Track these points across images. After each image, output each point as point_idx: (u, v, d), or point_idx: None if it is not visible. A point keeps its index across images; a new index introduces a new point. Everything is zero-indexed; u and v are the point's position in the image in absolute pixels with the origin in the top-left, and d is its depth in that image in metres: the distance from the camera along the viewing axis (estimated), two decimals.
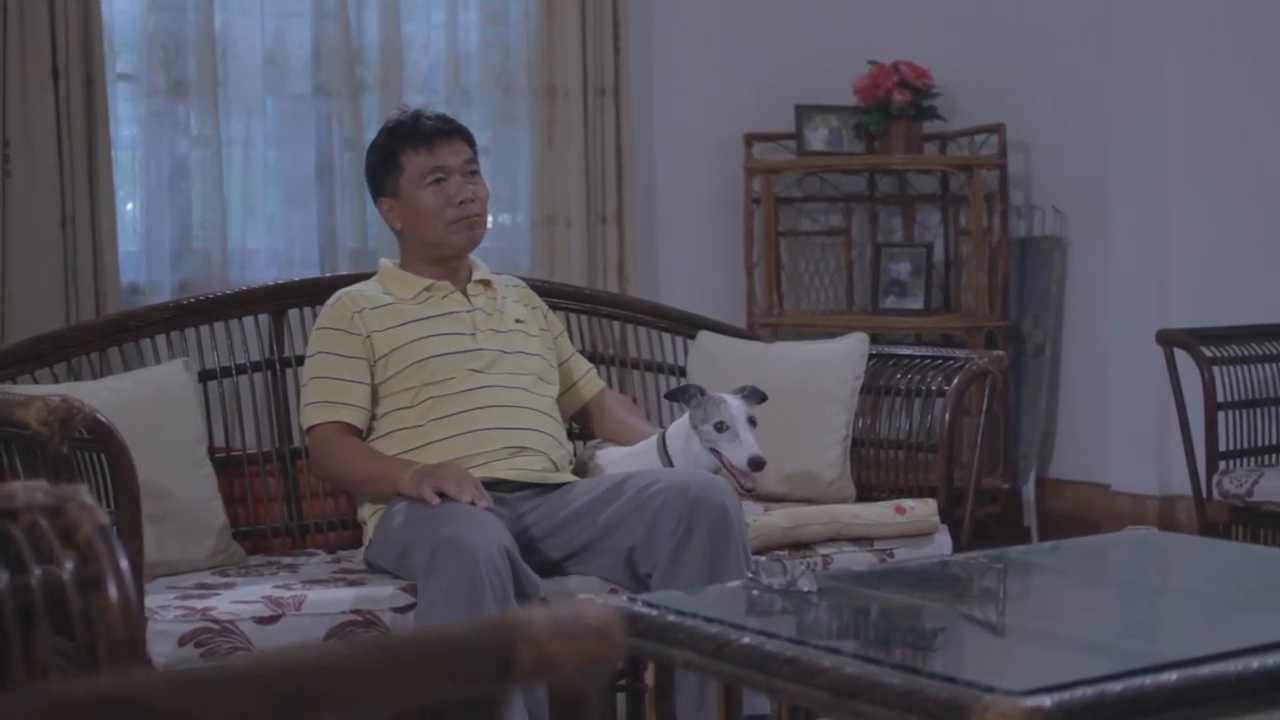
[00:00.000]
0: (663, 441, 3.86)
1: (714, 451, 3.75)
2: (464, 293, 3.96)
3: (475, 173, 3.97)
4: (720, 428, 3.74)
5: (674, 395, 3.94)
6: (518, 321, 3.99)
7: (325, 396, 3.81)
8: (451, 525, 3.37)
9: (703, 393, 3.84)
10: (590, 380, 4.22)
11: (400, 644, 1.03)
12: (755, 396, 3.86)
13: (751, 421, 3.77)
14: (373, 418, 3.84)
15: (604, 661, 1.06)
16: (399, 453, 3.76)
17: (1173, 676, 2.20)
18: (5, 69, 4.88)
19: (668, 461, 3.82)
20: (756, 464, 3.69)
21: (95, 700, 0.93)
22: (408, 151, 3.91)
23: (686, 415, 3.84)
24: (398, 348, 3.83)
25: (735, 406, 3.77)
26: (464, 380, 3.82)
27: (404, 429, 3.80)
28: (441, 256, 3.95)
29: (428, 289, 3.93)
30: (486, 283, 4.02)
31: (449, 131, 3.96)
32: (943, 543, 4.10)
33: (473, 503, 3.49)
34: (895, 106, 6.21)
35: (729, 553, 3.48)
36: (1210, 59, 5.72)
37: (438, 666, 1.03)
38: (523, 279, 4.30)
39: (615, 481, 3.69)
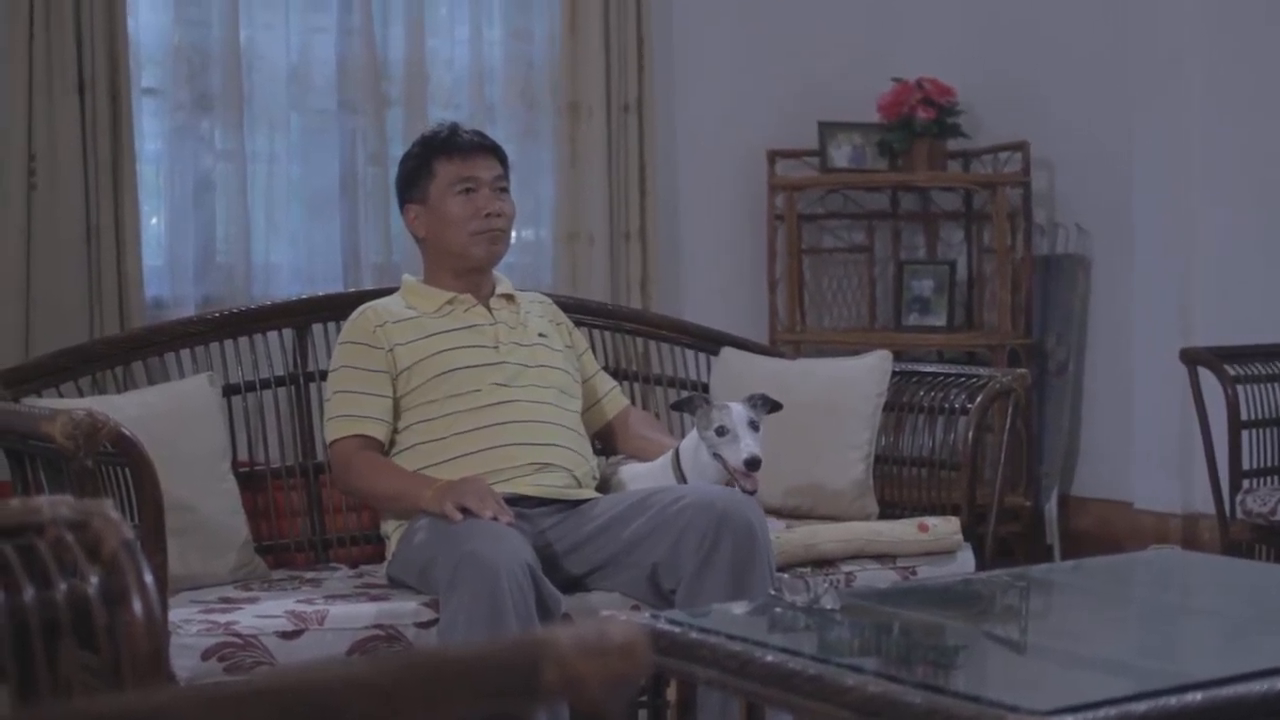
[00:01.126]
0: (676, 456, 3.87)
1: (717, 457, 3.75)
2: (487, 306, 3.97)
3: (504, 190, 3.99)
4: (721, 432, 3.75)
5: (679, 406, 3.96)
6: (541, 336, 4.00)
7: (347, 410, 3.82)
8: (473, 541, 3.37)
9: (707, 402, 3.85)
10: (614, 398, 4.22)
11: (425, 661, 1.03)
12: (765, 404, 3.86)
13: (754, 426, 3.77)
14: (395, 431, 3.84)
15: (630, 680, 1.06)
16: (422, 467, 3.76)
17: (1197, 697, 2.19)
18: (32, 82, 4.90)
19: (680, 475, 3.82)
20: (752, 463, 3.69)
21: (120, 716, 0.93)
22: (441, 159, 3.94)
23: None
24: (420, 360, 3.83)
25: (737, 411, 3.77)
26: (488, 394, 3.82)
27: (427, 442, 3.80)
28: (463, 268, 3.96)
29: (450, 302, 3.94)
30: (509, 297, 4.03)
31: (483, 146, 3.99)
32: (965, 561, 4.09)
33: (495, 518, 3.48)
34: (919, 124, 6.21)
35: (754, 570, 3.47)
36: (1235, 77, 5.71)
37: (463, 684, 1.03)
38: (547, 295, 4.31)
39: (639, 497, 3.69)
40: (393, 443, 3.84)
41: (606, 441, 4.21)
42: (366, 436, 3.80)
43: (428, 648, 2.91)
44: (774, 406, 3.87)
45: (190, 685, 3.16)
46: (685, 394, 4.48)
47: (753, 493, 3.72)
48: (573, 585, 3.63)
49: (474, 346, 3.88)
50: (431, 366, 3.83)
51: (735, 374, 4.49)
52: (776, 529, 3.94)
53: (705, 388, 4.59)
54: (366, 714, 0.99)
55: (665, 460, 3.90)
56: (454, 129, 4.01)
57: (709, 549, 3.47)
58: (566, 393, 3.97)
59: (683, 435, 4.09)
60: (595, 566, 3.65)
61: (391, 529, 3.80)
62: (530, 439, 3.80)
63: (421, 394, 3.82)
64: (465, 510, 3.51)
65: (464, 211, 3.91)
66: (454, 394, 3.81)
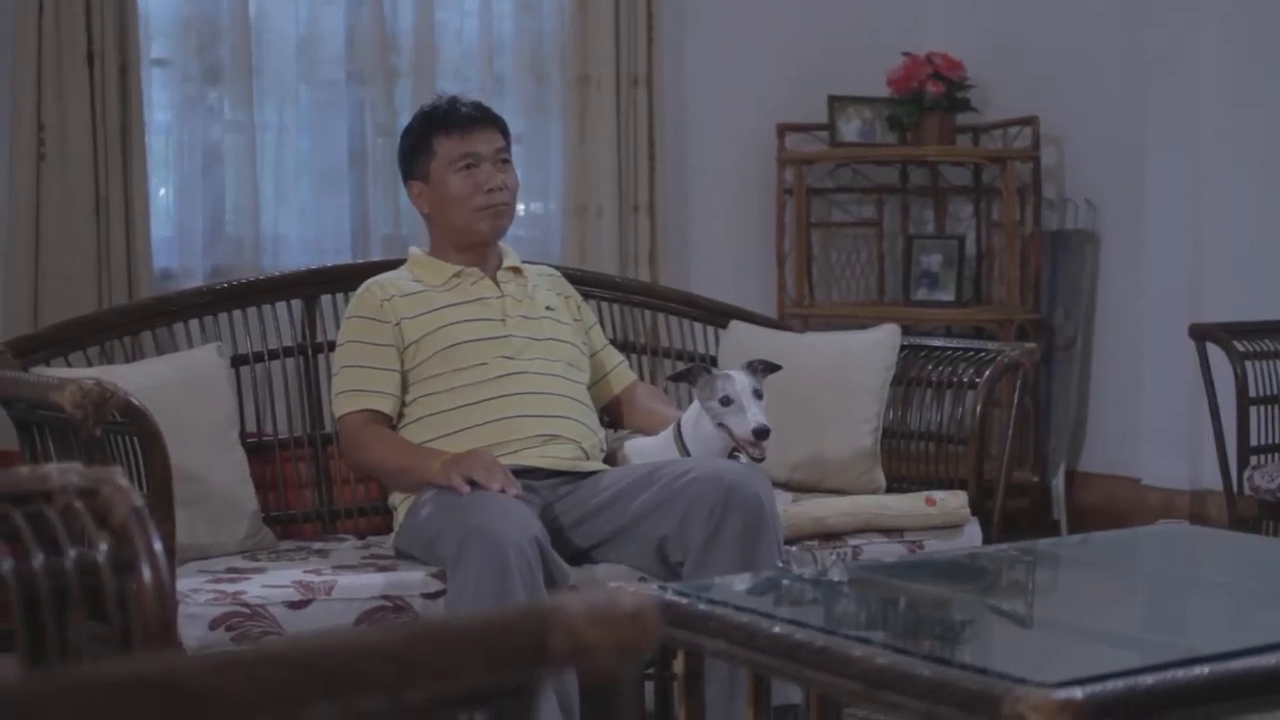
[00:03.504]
0: (678, 429, 3.87)
1: (721, 426, 3.75)
2: (494, 279, 3.97)
3: (506, 162, 3.97)
4: (725, 402, 3.75)
5: (679, 377, 3.95)
6: (548, 309, 3.99)
7: (355, 385, 3.82)
8: (480, 514, 3.37)
9: (708, 371, 3.85)
10: (621, 372, 4.22)
11: (435, 628, 1.03)
12: (765, 369, 3.86)
13: (758, 394, 3.78)
14: (403, 404, 3.84)
15: (639, 649, 1.06)
16: (429, 439, 3.76)
17: (1204, 670, 2.19)
18: (41, 53, 4.90)
19: (683, 448, 3.82)
20: (761, 433, 3.69)
21: (132, 681, 0.93)
22: (440, 136, 3.92)
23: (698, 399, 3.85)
24: (428, 334, 3.83)
25: (740, 380, 3.77)
26: (495, 366, 3.82)
27: (434, 415, 3.80)
28: (468, 243, 3.95)
29: (457, 275, 3.94)
30: (517, 270, 4.02)
31: (483, 119, 3.96)
32: (972, 534, 4.09)
33: (502, 490, 3.48)
34: (928, 98, 6.20)
35: (761, 543, 3.47)
36: (1246, 51, 5.70)
37: (472, 652, 1.03)
38: (555, 268, 4.30)
39: (647, 470, 3.69)
40: (401, 415, 3.84)
41: (614, 416, 4.21)
42: (374, 411, 3.80)
43: (438, 616, 2.91)
44: (771, 368, 3.88)
45: (198, 652, 3.17)
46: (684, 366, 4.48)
47: (761, 460, 3.73)
48: (579, 558, 3.63)
49: (481, 320, 3.88)
50: (439, 340, 3.83)
51: (743, 347, 4.48)
52: (784, 502, 3.94)
53: (714, 360, 4.58)
54: (377, 681, 0.99)
55: (668, 434, 3.90)
56: (452, 103, 3.98)
57: (717, 522, 3.47)
58: (574, 365, 3.97)
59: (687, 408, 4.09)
60: (602, 539, 3.65)
61: (399, 501, 3.80)
62: (537, 411, 3.80)
63: (429, 367, 3.82)
64: (473, 483, 3.51)
65: (465, 188, 3.90)
66: (461, 367, 3.81)
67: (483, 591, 3.27)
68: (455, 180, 3.90)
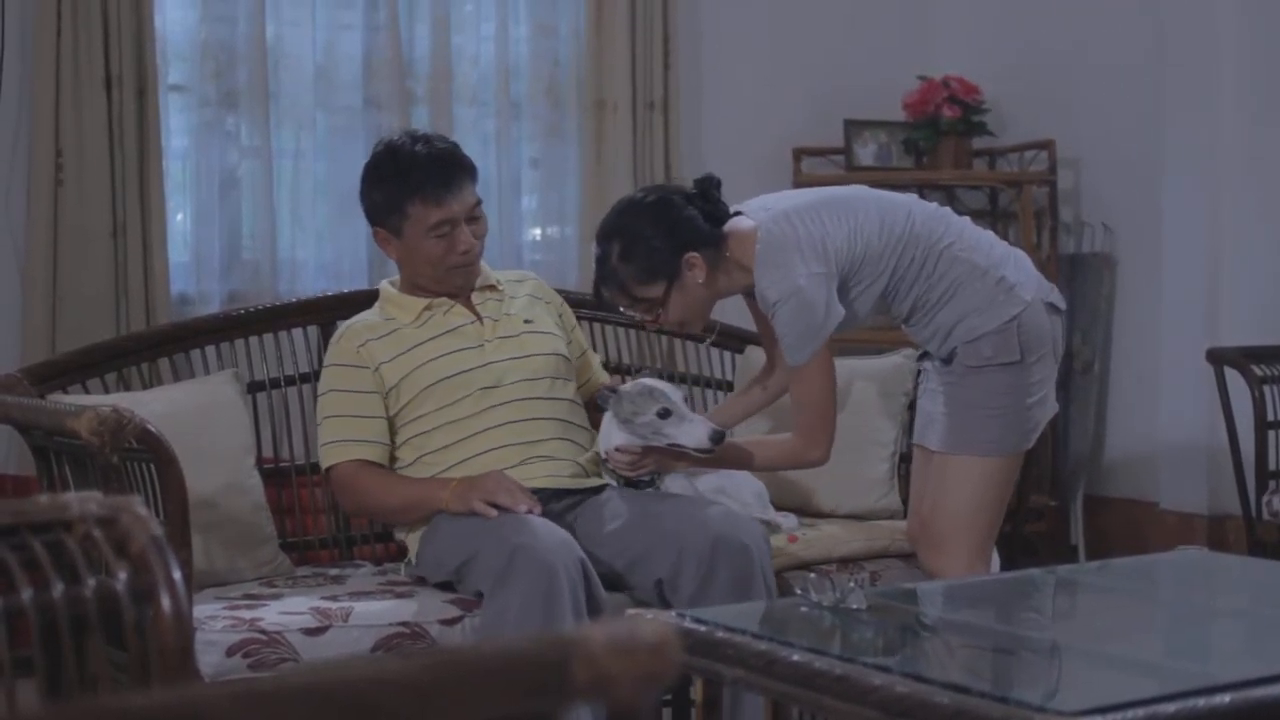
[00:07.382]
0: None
1: (661, 438, 3.70)
2: (468, 303, 3.91)
3: (479, 215, 3.86)
4: (664, 414, 3.69)
5: (598, 404, 3.84)
6: (527, 322, 3.92)
7: (341, 436, 3.76)
8: (522, 535, 3.35)
9: (615, 390, 3.78)
10: (604, 374, 4.18)
11: (457, 659, 1.03)
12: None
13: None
14: (393, 447, 3.81)
15: (660, 679, 1.06)
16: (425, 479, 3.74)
17: (1225, 699, 2.19)
18: (59, 79, 4.92)
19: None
20: (719, 438, 3.66)
21: (151, 713, 0.93)
22: (416, 202, 3.76)
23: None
24: (406, 376, 3.76)
25: (670, 389, 3.74)
26: (479, 399, 3.75)
27: (426, 455, 3.74)
28: (439, 292, 3.89)
29: (428, 308, 3.85)
30: (492, 287, 3.97)
31: (457, 173, 3.80)
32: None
33: (529, 511, 3.47)
34: (944, 122, 6.19)
35: (753, 593, 3.45)
36: (1263, 75, 5.69)
37: (494, 682, 1.02)
38: (569, 292, 4.27)
39: (640, 507, 3.66)
40: (393, 459, 3.81)
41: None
42: (364, 461, 3.75)
43: (459, 645, 2.91)
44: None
45: (221, 681, 3.16)
46: (714, 394, 4.46)
47: (718, 465, 3.72)
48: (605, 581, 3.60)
49: (458, 351, 3.81)
50: (418, 380, 3.76)
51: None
52: (798, 527, 3.94)
53: (730, 386, 4.58)
54: (398, 711, 0.98)
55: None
56: (425, 156, 3.78)
57: (705, 574, 3.45)
58: (560, 378, 3.88)
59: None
60: (618, 573, 3.62)
61: (405, 533, 3.78)
62: (527, 437, 3.74)
63: (413, 409, 3.76)
64: (495, 506, 3.50)
65: (439, 251, 3.78)
66: (445, 404, 3.74)
67: (529, 612, 3.24)
68: (430, 245, 3.78)
